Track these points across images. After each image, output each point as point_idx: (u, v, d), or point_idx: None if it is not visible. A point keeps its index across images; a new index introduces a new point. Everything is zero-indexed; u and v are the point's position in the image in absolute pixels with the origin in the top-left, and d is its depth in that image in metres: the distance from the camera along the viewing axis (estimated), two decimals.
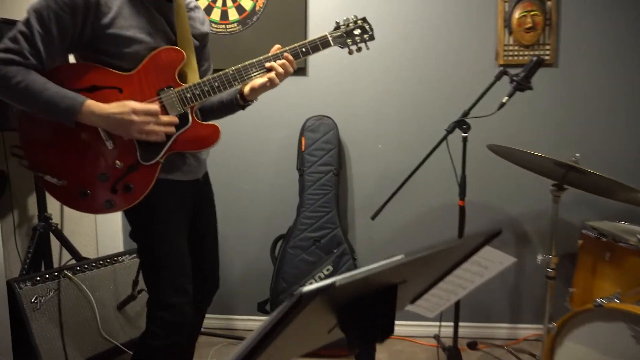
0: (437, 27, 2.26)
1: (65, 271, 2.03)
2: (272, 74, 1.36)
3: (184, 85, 1.31)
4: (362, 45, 1.45)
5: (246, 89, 1.44)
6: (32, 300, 1.90)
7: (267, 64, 1.35)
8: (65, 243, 2.29)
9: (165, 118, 1.28)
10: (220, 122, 2.33)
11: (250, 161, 2.41)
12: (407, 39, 2.28)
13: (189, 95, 1.31)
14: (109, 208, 1.31)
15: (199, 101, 1.33)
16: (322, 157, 2.25)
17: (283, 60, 1.35)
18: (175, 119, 1.30)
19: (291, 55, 1.37)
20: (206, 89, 1.32)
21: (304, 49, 1.38)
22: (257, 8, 2.29)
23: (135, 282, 2.16)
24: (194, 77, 1.36)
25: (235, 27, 2.32)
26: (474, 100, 1.86)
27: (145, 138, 1.26)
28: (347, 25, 1.44)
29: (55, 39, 1.19)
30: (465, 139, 1.85)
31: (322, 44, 1.39)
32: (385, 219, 2.24)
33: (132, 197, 1.30)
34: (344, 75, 2.32)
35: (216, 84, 1.33)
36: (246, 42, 2.31)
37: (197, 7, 1.49)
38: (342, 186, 2.37)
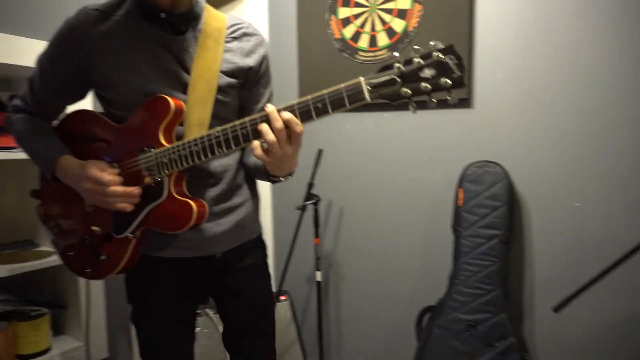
0: None
1: None
2: (256, 145, 0.93)
3: (164, 147, 1.02)
4: (440, 95, 0.84)
5: None
6: None
7: (259, 127, 0.93)
8: None
9: (118, 189, 1.00)
10: (358, 160, 2.04)
11: (398, 211, 2.01)
12: (615, 51, 1.52)
13: (165, 160, 1.01)
14: (86, 275, 1.15)
15: (178, 168, 1.01)
16: (485, 216, 1.70)
17: (279, 121, 0.90)
18: (134, 191, 1.02)
19: (299, 112, 0.90)
20: (184, 153, 0.99)
21: (319, 105, 0.89)
22: (410, 29, 1.89)
23: None
24: (200, 134, 1.02)
25: (385, 53, 1.96)
26: None
27: (104, 206, 1.04)
28: (410, 62, 0.84)
29: (53, 80, 1.09)
30: None
31: (351, 96, 0.86)
32: (578, 309, 1.57)
33: (106, 268, 1.10)
34: (523, 107, 1.71)
35: (196, 148, 0.98)
36: None
37: (246, 35, 1.14)
38: (514, 257, 1.75)
